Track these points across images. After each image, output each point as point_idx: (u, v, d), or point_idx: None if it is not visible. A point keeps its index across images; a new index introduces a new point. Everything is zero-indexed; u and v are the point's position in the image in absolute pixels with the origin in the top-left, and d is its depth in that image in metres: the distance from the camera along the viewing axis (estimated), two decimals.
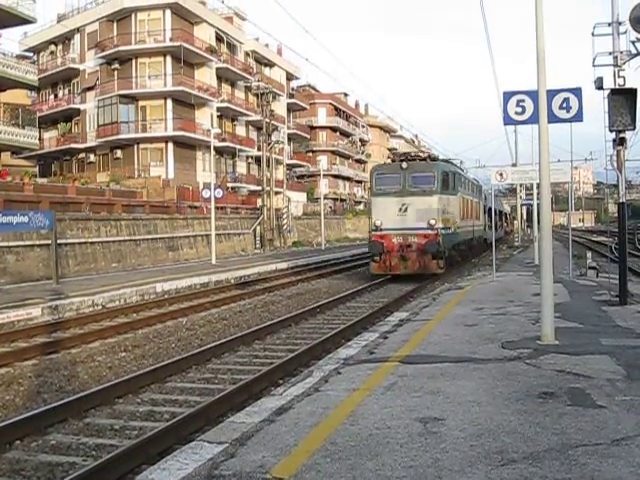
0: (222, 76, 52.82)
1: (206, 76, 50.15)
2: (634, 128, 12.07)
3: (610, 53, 11.67)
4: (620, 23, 11.54)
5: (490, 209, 33.87)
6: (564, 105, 9.32)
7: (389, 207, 21.37)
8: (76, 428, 6.73)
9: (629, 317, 10.48)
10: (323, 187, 56.16)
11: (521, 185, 37.14)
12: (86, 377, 9.10)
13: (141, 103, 47.53)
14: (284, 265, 27.68)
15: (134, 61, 47.19)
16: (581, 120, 9.48)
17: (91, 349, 11.13)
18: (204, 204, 37.71)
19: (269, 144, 45.85)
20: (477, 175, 38.86)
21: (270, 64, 62.50)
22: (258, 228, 44.48)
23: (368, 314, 13.70)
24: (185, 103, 47.53)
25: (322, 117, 75.81)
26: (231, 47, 54.70)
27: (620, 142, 11.94)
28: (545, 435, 4.76)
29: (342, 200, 75.62)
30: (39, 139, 40.52)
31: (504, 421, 5.11)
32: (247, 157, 56.99)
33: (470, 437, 4.75)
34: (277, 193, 48.53)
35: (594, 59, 11.85)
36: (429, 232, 20.77)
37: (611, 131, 11.86)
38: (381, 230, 21.30)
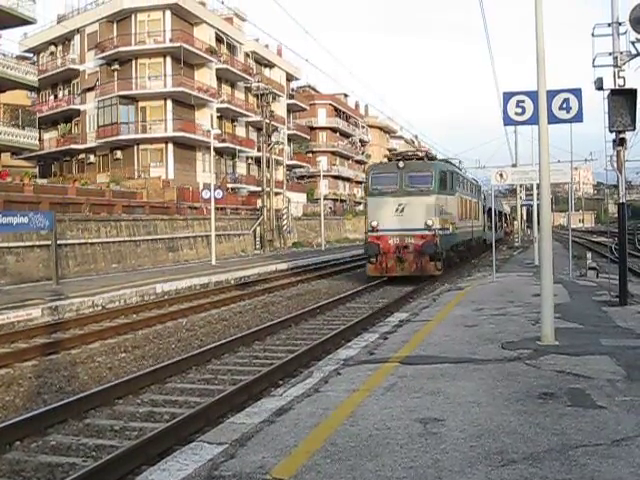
0: (222, 77, 52.84)
1: (206, 77, 50.17)
2: (634, 129, 12.07)
3: (610, 54, 11.67)
4: (620, 24, 11.53)
5: (490, 209, 33.82)
6: (564, 106, 9.33)
7: (385, 207, 20.92)
8: (76, 429, 6.72)
9: (629, 317, 10.48)
10: (323, 188, 56.15)
11: (521, 186, 37.15)
12: (86, 378, 9.09)
13: (141, 104, 47.55)
14: (284, 266, 27.67)
15: (134, 62, 47.21)
16: (581, 121, 9.49)
17: (91, 350, 11.13)
18: (204, 205, 37.71)
19: (269, 145, 45.87)
20: (477, 175, 38.85)
21: (270, 65, 62.53)
22: (258, 229, 44.49)
23: (368, 315, 13.69)
24: (185, 104, 47.55)
25: (322, 118, 75.83)
26: (231, 48, 54.71)
27: (620, 143, 11.94)
28: (545, 436, 4.75)
29: (342, 201, 75.63)
30: (39, 140, 40.55)
31: (504, 422, 5.11)
32: (247, 158, 57.00)
33: (470, 438, 4.75)
34: (277, 194, 48.55)
35: (594, 60, 11.85)
36: (426, 233, 20.33)
37: (611, 132, 11.86)
38: (377, 231, 20.79)
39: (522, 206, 49.81)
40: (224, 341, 11.05)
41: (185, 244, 35.07)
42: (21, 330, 12.77)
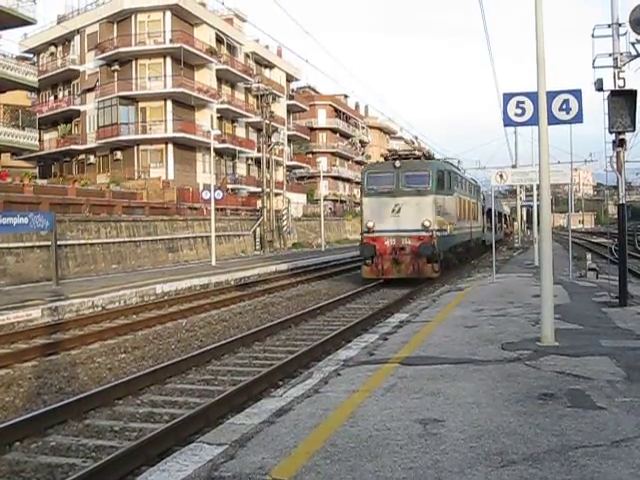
0: (222, 77, 52.85)
1: (206, 77, 50.18)
2: (634, 130, 12.08)
3: (610, 55, 11.68)
4: (620, 25, 11.54)
5: (490, 210, 33.73)
6: (564, 106, 9.33)
7: (381, 208, 20.34)
8: (76, 429, 6.72)
9: (629, 318, 10.48)
10: (323, 188, 56.16)
11: (521, 186, 37.15)
12: (86, 378, 9.09)
13: (141, 104, 47.57)
14: (284, 266, 27.68)
15: (134, 62, 47.22)
16: (581, 121, 9.50)
17: (91, 350, 11.13)
18: (204, 205, 37.72)
19: (269, 145, 45.88)
20: (477, 176, 38.76)
21: (270, 65, 62.54)
22: (258, 229, 44.49)
23: (368, 315, 13.69)
24: (185, 104, 47.56)
25: (322, 118, 75.87)
26: (231, 48, 54.73)
27: (620, 143, 11.94)
28: (545, 436, 4.76)
29: (342, 201, 75.65)
30: (39, 140, 40.55)
31: (504, 422, 5.11)
32: (247, 158, 57.01)
33: (470, 438, 4.75)
34: (277, 194, 48.55)
35: (594, 61, 11.86)
36: (423, 234, 19.82)
37: (611, 132, 11.86)
38: (373, 232, 20.31)
39: (522, 207, 49.81)
40: (224, 342, 11.05)
41: (185, 245, 35.07)
42: (21, 331, 12.78)
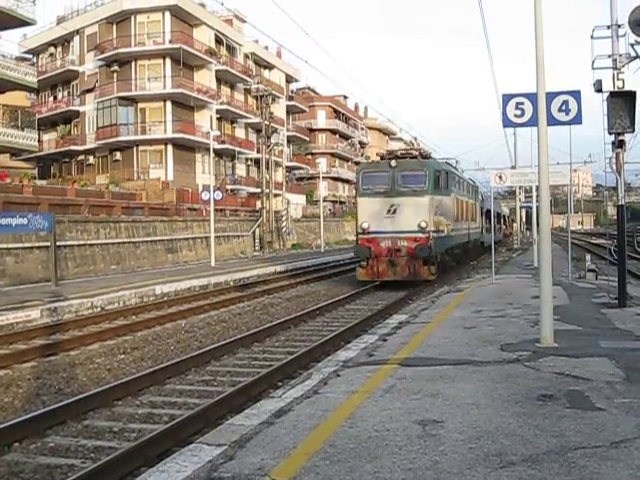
0: (221, 78, 52.86)
1: (205, 78, 50.19)
2: (633, 131, 12.09)
3: (609, 56, 11.68)
4: (619, 26, 11.54)
5: (489, 211, 33.66)
6: (563, 108, 9.34)
7: (377, 208, 19.83)
8: (75, 430, 6.72)
9: (628, 319, 10.48)
10: (322, 189, 56.16)
11: (520, 187, 37.14)
12: (85, 379, 9.09)
13: (140, 105, 47.56)
14: (283, 267, 27.68)
15: (133, 63, 47.24)
16: (580, 123, 9.50)
17: (90, 351, 11.12)
18: (203, 206, 37.72)
19: (268, 146, 45.89)
20: (476, 177, 38.74)
21: (269, 66, 62.55)
22: (257, 230, 44.49)
23: (367, 316, 13.70)
24: (184, 105, 47.55)
25: (321, 119, 75.88)
26: (230, 49, 54.74)
27: (619, 145, 11.94)
28: (544, 437, 4.76)
29: (341, 202, 75.60)
30: (38, 141, 40.56)
31: (503, 423, 5.11)
32: (246, 159, 57.02)
33: (469, 439, 4.75)
34: (276, 195, 48.55)
35: (593, 62, 11.86)
36: (420, 235, 19.33)
37: (610, 134, 11.87)
38: (368, 233, 19.79)
39: (521, 208, 49.80)
40: (223, 342, 11.05)
41: (184, 245, 35.06)
42: (20, 331, 12.77)
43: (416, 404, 5.73)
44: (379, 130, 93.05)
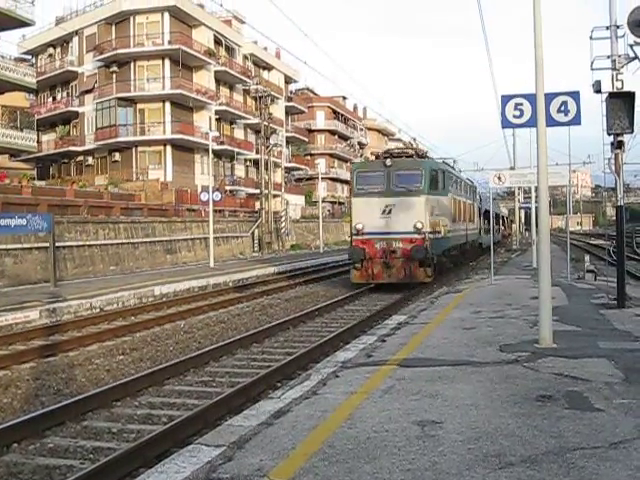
0: (220, 79, 52.87)
1: (204, 79, 50.19)
2: (632, 131, 12.10)
3: (608, 57, 11.69)
4: (618, 27, 11.56)
5: (487, 212, 33.60)
6: (562, 108, 9.35)
7: (371, 209, 19.28)
8: (74, 431, 6.72)
9: (627, 320, 10.49)
10: (321, 190, 56.13)
11: (519, 188, 37.15)
12: (84, 380, 9.08)
13: (139, 106, 47.55)
14: (282, 268, 27.67)
15: (132, 64, 47.23)
16: (579, 123, 9.51)
17: (89, 352, 11.12)
18: (202, 207, 37.71)
19: (267, 147, 45.90)
20: (476, 178, 38.73)
21: (268, 67, 62.56)
22: (256, 231, 44.49)
23: (366, 317, 13.70)
24: (183, 106, 47.55)
25: (320, 120, 75.89)
26: (229, 50, 54.75)
27: (618, 145, 11.96)
28: (543, 438, 4.76)
29: (340, 203, 75.56)
30: (37, 142, 40.57)
31: (502, 424, 5.11)
32: (245, 160, 57.02)
33: (468, 440, 4.75)
34: (275, 196, 48.55)
35: (592, 62, 11.88)
36: (416, 236, 18.86)
37: (609, 134, 11.88)
38: (362, 234, 19.22)
39: (520, 209, 49.80)
40: (222, 343, 11.04)
41: (183, 246, 35.06)
42: (19, 332, 12.77)
43: (415, 405, 5.73)
44: (378, 131, 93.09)
